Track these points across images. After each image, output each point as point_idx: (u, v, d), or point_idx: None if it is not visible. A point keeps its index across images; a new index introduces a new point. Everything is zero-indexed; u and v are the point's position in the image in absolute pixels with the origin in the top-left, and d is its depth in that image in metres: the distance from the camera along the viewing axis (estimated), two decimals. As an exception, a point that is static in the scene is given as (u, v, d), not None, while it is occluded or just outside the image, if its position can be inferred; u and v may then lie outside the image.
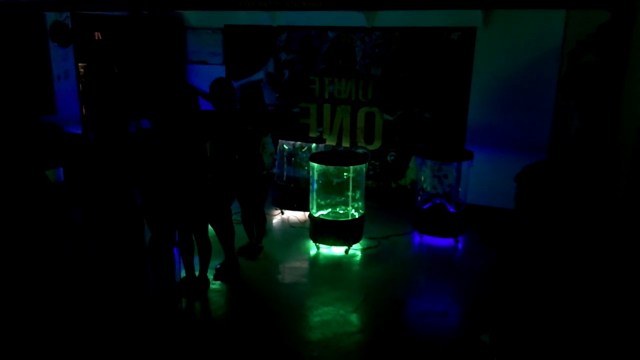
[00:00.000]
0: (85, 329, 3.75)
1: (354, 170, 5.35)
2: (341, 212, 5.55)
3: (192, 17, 7.50)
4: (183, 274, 4.50)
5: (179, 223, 4.10)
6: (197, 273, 4.46)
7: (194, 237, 4.34)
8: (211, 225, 4.64)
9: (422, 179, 5.75)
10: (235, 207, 4.93)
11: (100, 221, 3.66)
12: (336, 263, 5.15)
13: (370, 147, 6.93)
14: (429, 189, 5.74)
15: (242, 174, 4.67)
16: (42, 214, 3.42)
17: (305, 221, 6.09)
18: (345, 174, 5.38)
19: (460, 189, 5.63)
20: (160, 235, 3.97)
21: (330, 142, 7.05)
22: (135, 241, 3.79)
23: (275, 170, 6.87)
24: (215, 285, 4.58)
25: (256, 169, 4.79)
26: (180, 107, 3.86)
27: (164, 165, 3.82)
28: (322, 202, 5.55)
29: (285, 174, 6.56)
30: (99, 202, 3.63)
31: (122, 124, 3.59)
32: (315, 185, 5.42)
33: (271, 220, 6.22)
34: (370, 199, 6.48)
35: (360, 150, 6.93)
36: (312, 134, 7.15)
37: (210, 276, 4.60)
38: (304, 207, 6.01)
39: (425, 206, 5.65)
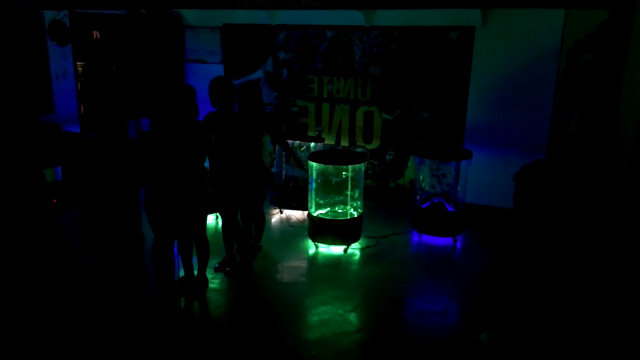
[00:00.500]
0: (85, 329, 3.75)
1: (353, 170, 5.35)
2: (340, 211, 5.55)
3: (190, 15, 7.49)
4: (182, 273, 4.50)
5: (180, 223, 4.09)
6: (195, 272, 4.46)
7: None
8: (223, 229, 4.73)
9: (421, 178, 5.75)
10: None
11: (99, 220, 3.65)
12: (335, 262, 5.15)
13: (369, 146, 6.92)
14: (427, 188, 5.74)
15: (242, 174, 4.67)
16: (40, 212, 3.42)
17: (304, 220, 6.09)
18: (344, 173, 5.38)
19: (458, 188, 5.64)
20: (162, 235, 3.97)
21: (329, 141, 7.05)
22: (133, 241, 3.79)
23: (274, 170, 6.87)
24: (214, 284, 4.58)
25: (256, 169, 4.79)
26: (178, 108, 3.85)
27: (164, 165, 3.82)
28: (321, 202, 5.55)
29: (284, 173, 6.56)
30: (97, 201, 3.62)
31: (120, 123, 3.58)
32: (314, 185, 5.42)
33: (270, 220, 6.21)
34: (369, 198, 6.49)
35: (359, 150, 6.93)
36: (311, 133, 7.15)
37: (209, 275, 4.60)
38: (303, 206, 6.01)
39: (424, 205, 5.65)
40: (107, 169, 3.56)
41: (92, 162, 3.57)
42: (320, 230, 5.34)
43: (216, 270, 4.78)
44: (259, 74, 7.34)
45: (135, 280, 3.88)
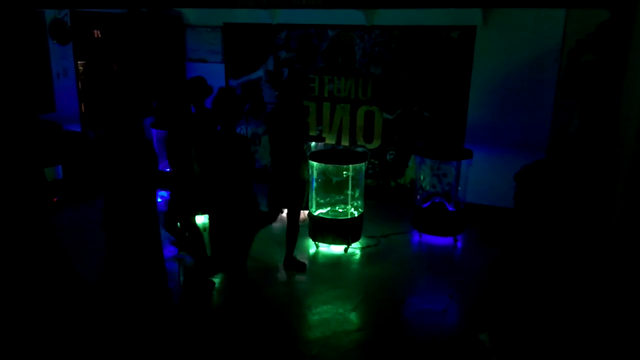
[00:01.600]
0: (89, 328, 3.74)
1: (354, 169, 5.35)
2: (340, 210, 5.55)
3: (191, 15, 7.49)
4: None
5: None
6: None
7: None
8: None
9: (422, 177, 5.75)
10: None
11: (116, 220, 3.54)
12: (335, 262, 5.15)
13: (370, 146, 6.92)
14: (428, 187, 5.74)
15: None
16: (38, 211, 3.41)
17: (304, 220, 6.08)
18: (344, 172, 5.38)
19: (459, 188, 5.63)
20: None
21: (330, 140, 7.04)
22: (150, 240, 3.65)
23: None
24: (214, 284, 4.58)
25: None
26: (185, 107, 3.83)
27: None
28: (322, 201, 5.54)
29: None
30: (116, 201, 3.53)
31: (126, 123, 3.51)
32: (315, 184, 5.42)
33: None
34: (369, 197, 6.48)
35: (359, 149, 6.92)
36: (312, 133, 7.15)
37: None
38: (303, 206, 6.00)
39: (425, 205, 5.65)
40: (120, 169, 3.45)
41: (103, 163, 3.46)
42: (321, 229, 5.34)
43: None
44: (260, 73, 7.34)
45: (153, 281, 3.75)
